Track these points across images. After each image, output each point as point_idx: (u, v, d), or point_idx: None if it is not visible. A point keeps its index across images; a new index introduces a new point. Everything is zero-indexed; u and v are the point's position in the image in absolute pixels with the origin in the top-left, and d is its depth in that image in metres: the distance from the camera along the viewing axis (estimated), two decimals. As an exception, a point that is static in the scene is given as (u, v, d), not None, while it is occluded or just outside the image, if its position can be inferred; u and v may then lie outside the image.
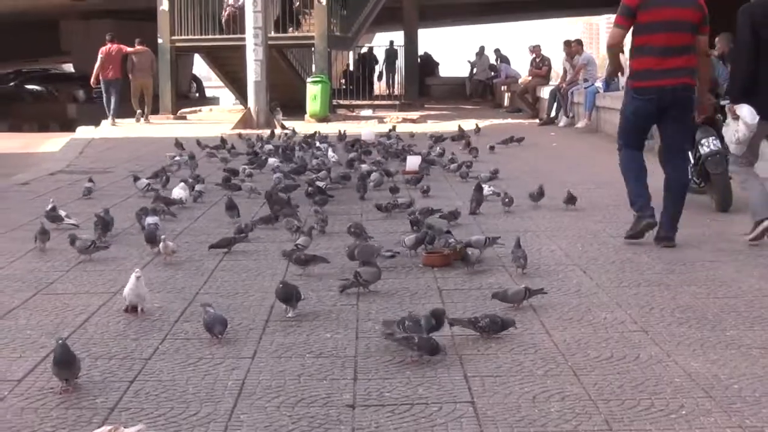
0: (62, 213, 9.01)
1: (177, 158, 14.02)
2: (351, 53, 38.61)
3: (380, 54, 36.89)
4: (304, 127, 21.24)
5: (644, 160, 8.19)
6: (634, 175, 8.13)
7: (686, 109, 8.05)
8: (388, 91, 35.85)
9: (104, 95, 24.56)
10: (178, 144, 15.54)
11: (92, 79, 24.52)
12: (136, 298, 5.85)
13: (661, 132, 8.28)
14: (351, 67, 39.03)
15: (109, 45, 24.30)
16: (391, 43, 35.75)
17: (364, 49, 37.42)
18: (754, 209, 8.00)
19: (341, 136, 17.20)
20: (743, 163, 8.18)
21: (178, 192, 10.24)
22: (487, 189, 10.26)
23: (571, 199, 9.56)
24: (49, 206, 9.05)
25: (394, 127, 19.15)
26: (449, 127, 19.14)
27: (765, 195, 7.92)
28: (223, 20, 26.46)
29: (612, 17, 8.67)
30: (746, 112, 7.80)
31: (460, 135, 17.06)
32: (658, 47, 7.86)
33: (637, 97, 8.05)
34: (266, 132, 18.88)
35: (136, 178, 11.27)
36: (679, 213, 7.98)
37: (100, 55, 24.19)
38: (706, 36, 8.07)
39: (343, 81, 34.56)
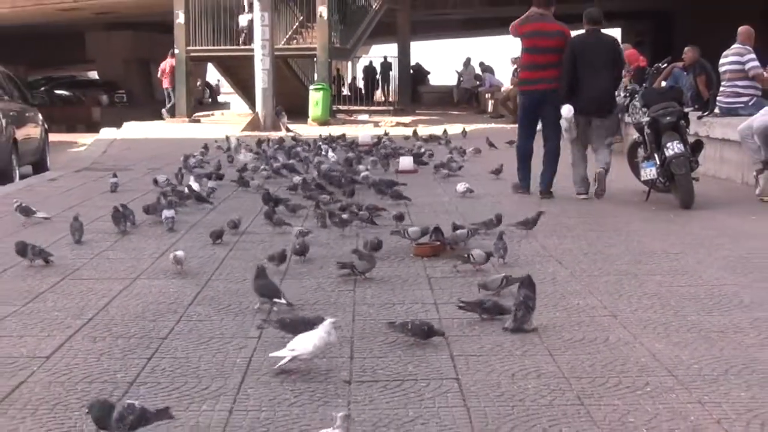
0: (33, 207, 9.00)
1: (196, 156, 14.09)
2: (350, 63, 38.71)
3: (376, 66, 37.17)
4: (307, 130, 21.24)
5: (532, 146, 10.81)
6: (524, 159, 10.83)
7: (553, 108, 10.40)
8: (383, 98, 35.90)
9: (168, 100, 27.18)
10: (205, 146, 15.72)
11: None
12: (324, 352, 4.56)
13: (542, 119, 10.76)
14: (347, 78, 39.22)
15: (169, 59, 26.70)
16: (385, 58, 35.97)
17: (366, 62, 37.60)
18: (576, 181, 10.48)
19: (327, 139, 17.15)
20: (578, 148, 10.54)
21: (194, 187, 10.21)
22: (462, 186, 10.35)
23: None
24: (17, 203, 9.03)
25: (386, 132, 19.14)
26: (438, 130, 19.10)
27: (582, 176, 10.44)
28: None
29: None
30: (564, 109, 10.20)
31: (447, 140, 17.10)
32: (531, 64, 10.55)
33: (523, 94, 11.07)
34: (274, 134, 18.90)
35: (156, 181, 11.15)
36: (554, 173, 10.62)
37: (163, 67, 27.16)
38: None
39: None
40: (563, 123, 10.30)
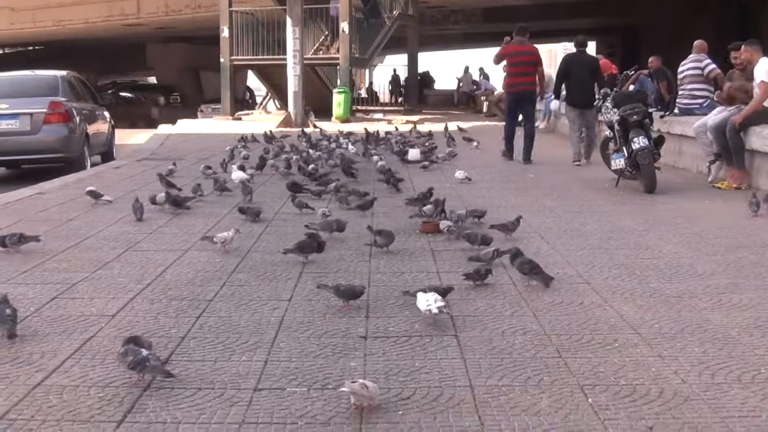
0: (100, 192, 8.98)
1: (240, 148, 14.13)
2: (367, 71, 38.67)
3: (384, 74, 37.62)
4: (330, 126, 21.18)
5: (516, 129, 13.15)
6: (509, 137, 13.27)
7: (531, 102, 13.43)
8: (395, 100, 35.93)
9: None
10: (253, 138, 15.72)
11: None
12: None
13: (522, 112, 13.23)
14: (365, 83, 39.30)
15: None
16: (395, 70, 36.21)
17: (390, 71, 38.00)
18: (574, 152, 12.75)
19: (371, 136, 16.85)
20: (574, 130, 12.82)
21: (237, 175, 10.17)
22: (460, 174, 10.33)
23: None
24: (89, 188, 9.05)
25: (396, 128, 19.05)
26: (441, 127, 19.02)
27: (576, 150, 12.71)
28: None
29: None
30: (553, 103, 14.05)
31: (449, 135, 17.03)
32: (514, 73, 13.05)
33: (508, 94, 13.56)
34: (307, 130, 18.84)
35: (208, 167, 11.13)
36: (531, 149, 12.83)
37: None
38: (541, 66, 13.39)
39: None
40: (556, 109, 14.43)
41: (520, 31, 13.14)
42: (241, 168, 10.89)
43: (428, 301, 4.45)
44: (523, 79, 12.91)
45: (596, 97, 11.87)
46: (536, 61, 13.00)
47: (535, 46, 13.44)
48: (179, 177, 11.02)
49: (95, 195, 8.82)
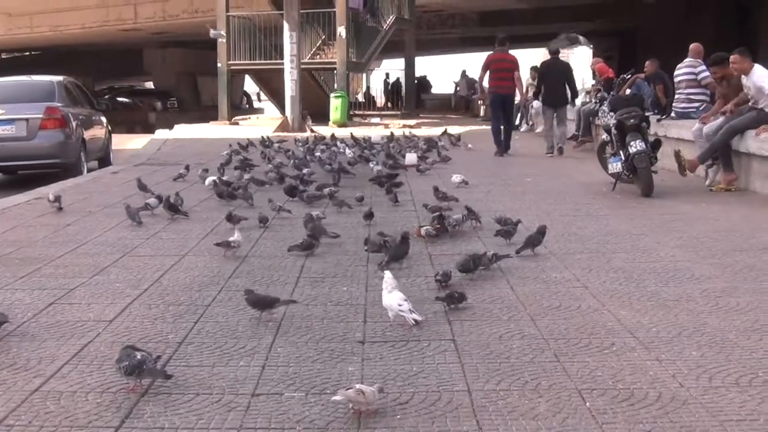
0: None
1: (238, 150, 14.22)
2: (364, 75, 38.70)
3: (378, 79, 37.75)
4: (328, 131, 21.17)
5: (501, 128, 14.94)
6: (496, 134, 14.95)
7: (511, 104, 15.64)
8: (392, 105, 36.01)
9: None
10: (250, 143, 15.66)
11: None
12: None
13: (503, 112, 14.99)
14: (361, 88, 39.40)
15: None
16: (387, 74, 36.70)
17: (383, 75, 38.10)
18: (548, 146, 15.05)
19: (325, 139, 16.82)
20: (548, 126, 15.22)
21: (209, 179, 10.25)
22: (457, 177, 10.32)
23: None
24: (52, 195, 8.98)
25: (392, 133, 18.97)
26: (438, 131, 19.00)
27: (549, 143, 14.98)
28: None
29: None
30: (535, 103, 15.92)
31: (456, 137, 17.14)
32: (497, 78, 14.88)
33: (491, 95, 15.13)
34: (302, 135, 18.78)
35: (205, 170, 11.18)
36: (509, 143, 15.02)
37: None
38: (519, 72, 15.22)
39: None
40: (537, 110, 16.18)
41: (501, 42, 15.18)
42: (240, 169, 10.92)
43: (400, 305, 4.52)
44: (505, 83, 14.92)
45: (593, 101, 12.23)
46: (516, 68, 15.10)
47: (515, 54, 15.74)
48: (178, 182, 11.03)
49: (56, 198, 8.81)
